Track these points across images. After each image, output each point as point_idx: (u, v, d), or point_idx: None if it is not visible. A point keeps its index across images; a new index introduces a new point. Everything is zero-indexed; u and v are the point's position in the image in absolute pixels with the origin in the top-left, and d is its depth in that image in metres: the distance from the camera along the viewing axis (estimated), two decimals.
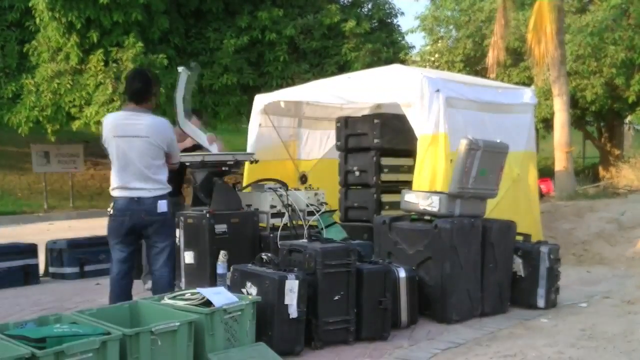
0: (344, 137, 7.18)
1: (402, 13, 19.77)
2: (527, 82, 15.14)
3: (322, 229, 6.02)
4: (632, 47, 15.13)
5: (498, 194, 6.76)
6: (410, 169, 6.56)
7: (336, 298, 4.37)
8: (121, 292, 4.64)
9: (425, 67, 16.62)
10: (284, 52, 15.23)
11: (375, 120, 6.93)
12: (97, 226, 8.45)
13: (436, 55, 18.08)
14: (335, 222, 6.49)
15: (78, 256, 6.99)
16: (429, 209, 5.12)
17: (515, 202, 6.97)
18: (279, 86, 13.30)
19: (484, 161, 5.16)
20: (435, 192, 5.24)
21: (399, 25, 18.02)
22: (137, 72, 5.25)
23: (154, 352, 3.39)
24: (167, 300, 3.96)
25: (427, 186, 5.89)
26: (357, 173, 7.06)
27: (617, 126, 18.75)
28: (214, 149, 5.99)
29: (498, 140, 5.40)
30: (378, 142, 6.92)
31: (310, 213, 6.28)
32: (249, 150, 7.51)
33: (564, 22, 12.79)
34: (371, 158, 6.95)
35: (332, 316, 4.36)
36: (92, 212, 14.55)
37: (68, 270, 7.00)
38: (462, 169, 5.08)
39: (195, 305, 3.81)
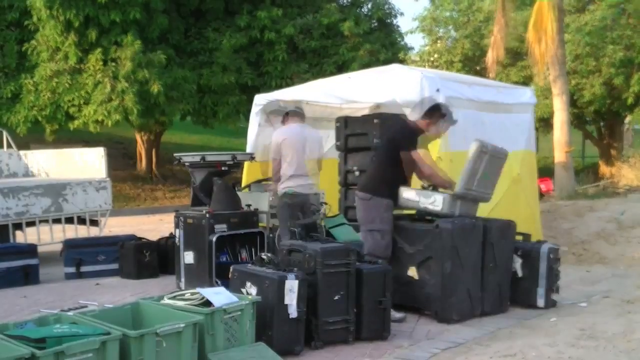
0: (344, 137, 7.18)
1: (402, 14, 19.80)
2: (526, 81, 15.16)
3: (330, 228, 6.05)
4: (631, 47, 15.15)
5: (498, 194, 6.78)
6: None
7: (336, 298, 4.37)
8: None
9: (424, 67, 16.63)
10: (283, 52, 15.24)
11: (375, 120, 6.92)
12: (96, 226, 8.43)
13: (435, 56, 18.10)
14: (344, 223, 6.46)
15: (74, 256, 6.97)
16: (430, 207, 5.10)
17: (515, 202, 6.98)
18: (278, 86, 13.30)
19: (488, 165, 5.17)
20: (439, 191, 5.22)
21: (398, 26, 18.05)
22: None
23: (159, 353, 3.39)
24: (167, 300, 3.96)
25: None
26: (357, 173, 7.06)
27: (616, 125, 18.77)
28: None
29: (499, 146, 5.41)
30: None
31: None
32: (248, 150, 7.51)
33: (563, 21, 12.80)
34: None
35: (332, 316, 4.36)
36: None
37: (64, 270, 6.98)
38: (471, 171, 5.07)
39: (195, 305, 3.81)
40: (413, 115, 5.25)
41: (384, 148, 5.38)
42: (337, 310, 4.38)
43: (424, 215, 5.27)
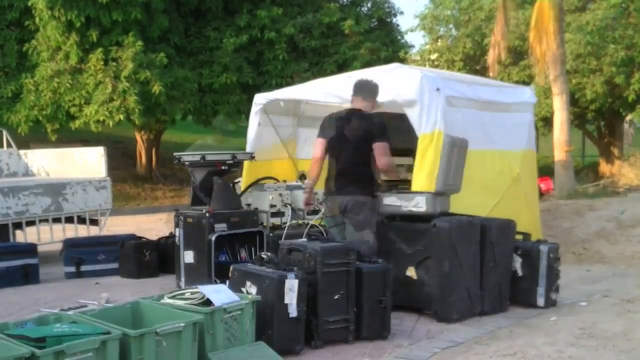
0: None
1: (402, 12, 19.83)
2: (527, 80, 15.14)
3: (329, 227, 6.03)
4: (632, 46, 15.12)
5: (498, 193, 6.77)
6: (410, 169, 6.54)
7: (336, 297, 4.37)
8: None
9: (425, 66, 16.62)
10: (283, 51, 15.25)
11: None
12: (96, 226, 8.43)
13: (436, 55, 18.09)
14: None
15: (74, 256, 6.98)
16: (414, 209, 5.10)
17: (515, 201, 6.97)
18: (279, 85, 13.31)
19: (458, 157, 5.23)
20: (418, 192, 5.24)
21: (398, 25, 18.08)
22: None
23: (158, 353, 3.39)
24: (166, 299, 3.96)
25: (426, 185, 5.87)
26: None
27: (617, 124, 18.76)
28: None
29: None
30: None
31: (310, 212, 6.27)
32: (248, 149, 7.50)
33: (564, 20, 12.79)
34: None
35: (332, 315, 4.36)
36: None
37: (64, 269, 6.99)
38: (447, 166, 5.11)
39: (195, 304, 3.81)
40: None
41: (360, 144, 5.44)
42: (337, 310, 4.38)
43: (408, 218, 5.24)
